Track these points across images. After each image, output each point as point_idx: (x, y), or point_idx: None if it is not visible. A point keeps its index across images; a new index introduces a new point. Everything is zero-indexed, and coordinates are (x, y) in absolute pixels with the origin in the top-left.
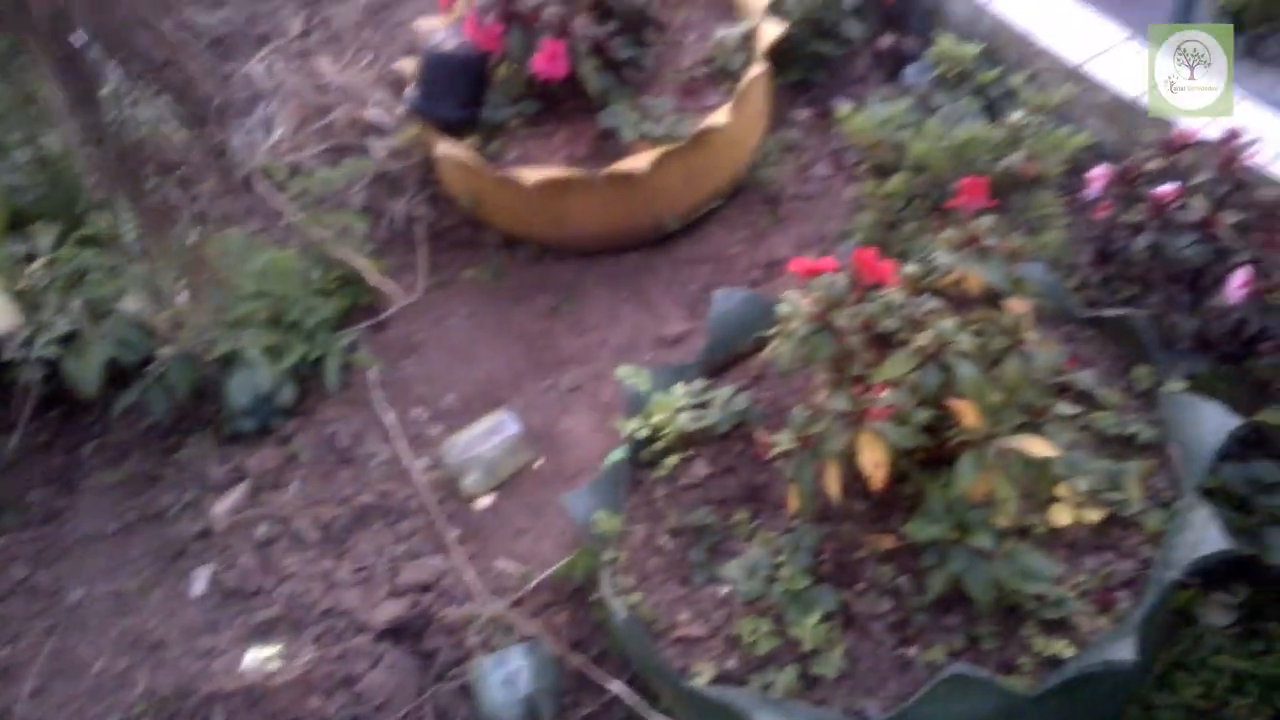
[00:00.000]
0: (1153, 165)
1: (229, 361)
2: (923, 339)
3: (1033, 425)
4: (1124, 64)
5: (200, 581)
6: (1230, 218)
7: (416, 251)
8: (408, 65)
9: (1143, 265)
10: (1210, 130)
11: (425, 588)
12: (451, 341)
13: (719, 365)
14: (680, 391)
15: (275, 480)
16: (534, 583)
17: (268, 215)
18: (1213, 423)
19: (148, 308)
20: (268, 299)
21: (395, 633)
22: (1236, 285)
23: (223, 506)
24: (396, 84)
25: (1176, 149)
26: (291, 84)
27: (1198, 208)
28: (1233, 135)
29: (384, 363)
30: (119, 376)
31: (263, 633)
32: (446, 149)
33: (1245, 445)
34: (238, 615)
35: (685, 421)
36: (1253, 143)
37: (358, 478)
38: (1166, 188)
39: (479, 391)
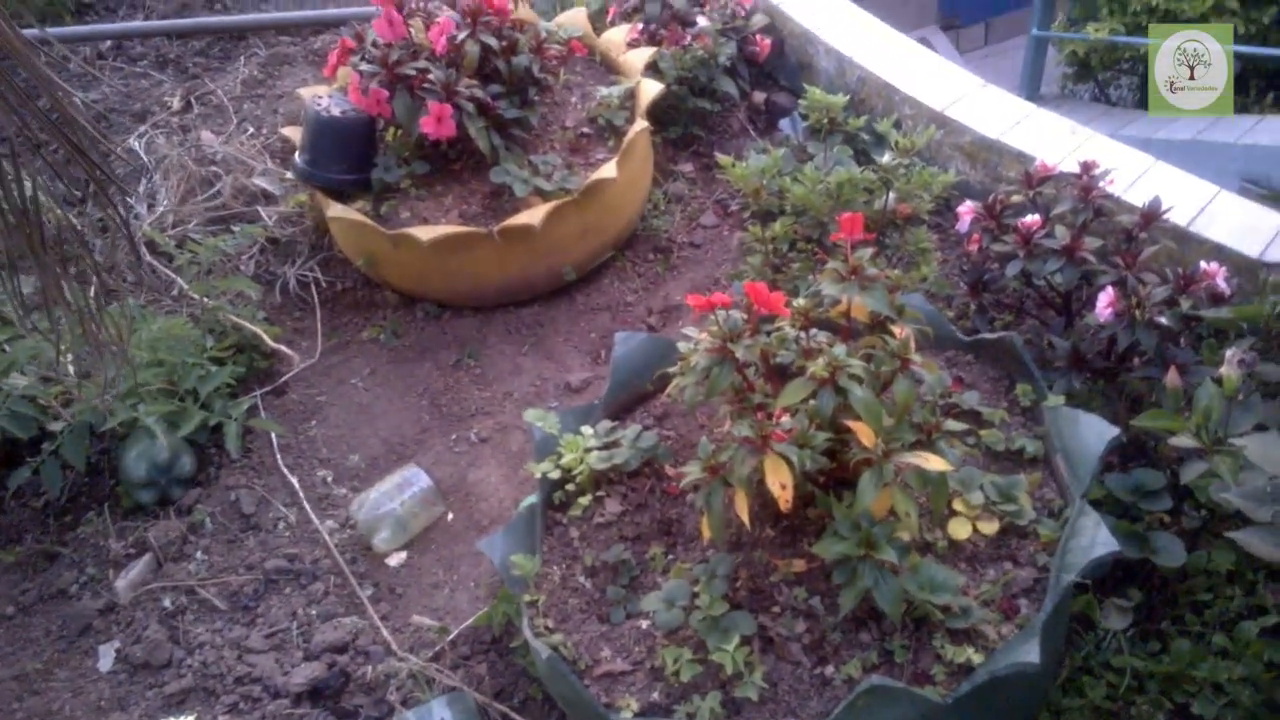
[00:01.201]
0: (1017, 199)
1: (125, 434)
2: (817, 366)
3: (926, 443)
4: (981, 108)
5: (107, 657)
6: (1092, 242)
7: (312, 314)
8: (293, 132)
9: (1015, 292)
10: (1066, 164)
11: (341, 648)
12: (354, 401)
13: (623, 406)
14: (589, 432)
15: (179, 551)
16: (452, 636)
17: (157, 286)
18: (1094, 433)
19: (38, 383)
20: (162, 368)
21: (313, 695)
22: (1104, 305)
23: (126, 580)
24: (283, 152)
25: (1037, 183)
26: (174, 156)
27: (1061, 235)
28: (1089, 167)
29: (285, 426)
30: (10, 455)
31: (175, 704)
32: (339, 212)
33: (1125, 457)
34: (148, 688)
35: (595, 461)
36: (1107, 173)
37: (265, 543)
38: (1031, 218)
39: (385, 449)
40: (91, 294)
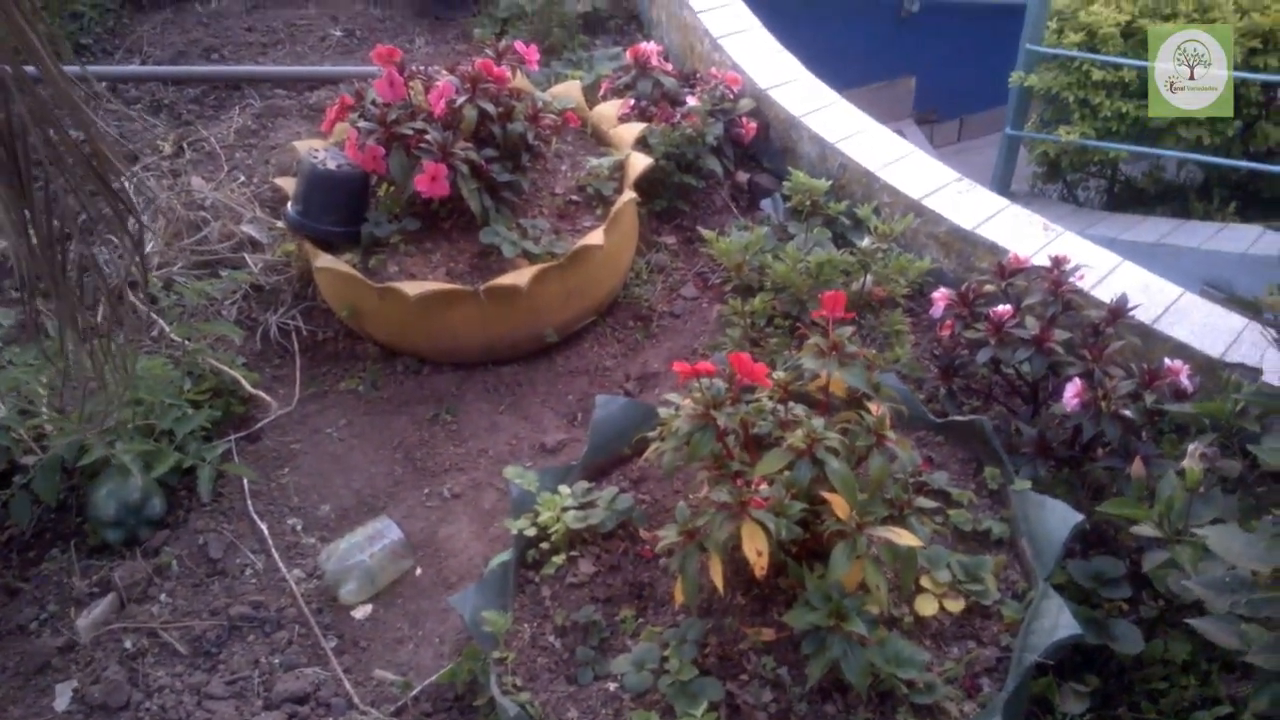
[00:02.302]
0: (989, 289)
1: (96, 471)
2: (795, 437)
3: (897, 519)
4: (956, 200)
5: (64, 696)
6: (1061, 335)
7: (292, 363)
8: (285, 183)
9: (985, 378)
10: (1038, 259)
11: (302, 699)
12: (328, 451)
13: (600, 468)
14: (566, 492)
15: (143, 592)
16: (415, 691)
17: (137, 326)
18: (1059, 518)
19: (15, 415)
20: (140, 407)
21: None
22: (1070, 396)
23: (87, 619)
24: (273, 201)
25: (1010, 274)
26: (163, 199)
27: (1031, 325)
28: (1060, 262)
29: (258, 473)
30: None
31: None
32: (327, 262)
33: (1086, 544)
34: None
35: (571, 521)
36: (1077, 269)
37: (230, 589)
38: (1003, 308)
39: (356, 501)
40: (99, 321)
